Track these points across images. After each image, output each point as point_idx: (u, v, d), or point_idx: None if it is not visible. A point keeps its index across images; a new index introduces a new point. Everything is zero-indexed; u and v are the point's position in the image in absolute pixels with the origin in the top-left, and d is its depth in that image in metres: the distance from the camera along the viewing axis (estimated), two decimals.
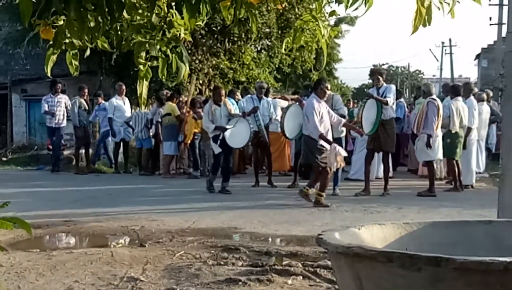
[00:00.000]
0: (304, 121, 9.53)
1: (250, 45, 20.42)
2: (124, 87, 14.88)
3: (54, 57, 3.12)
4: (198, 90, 18.69)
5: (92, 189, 11.65)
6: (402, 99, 11.79)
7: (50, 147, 15.75)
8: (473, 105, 11.49)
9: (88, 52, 3.23)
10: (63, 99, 14.89)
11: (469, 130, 11.26)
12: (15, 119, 21.85)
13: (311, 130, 9.18)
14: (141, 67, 3.14)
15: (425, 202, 9.61)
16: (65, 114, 14.88)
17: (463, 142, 11.13)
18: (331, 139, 9.23)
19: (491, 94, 15.07)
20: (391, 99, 10.33)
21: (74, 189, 11.53)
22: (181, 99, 14.44)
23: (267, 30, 19.82)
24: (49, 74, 3.22)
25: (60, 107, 14.69)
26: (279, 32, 20.47)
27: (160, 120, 14.06)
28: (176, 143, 13.86)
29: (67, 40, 3.04)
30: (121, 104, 14.74)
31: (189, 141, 13.49)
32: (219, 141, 10.53)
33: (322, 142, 9.07)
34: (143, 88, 3.17)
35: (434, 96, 10.75)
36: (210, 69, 19.27)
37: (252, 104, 11.78)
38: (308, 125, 9.31)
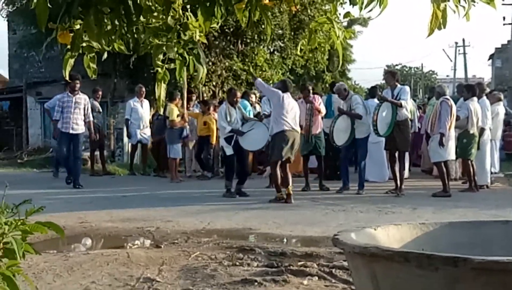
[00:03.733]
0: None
1: (263, 47, 20.44)
2: (144, 89, 14.51)
3: (72, 61, 3.16)
4: (211, 92, 18.73)
5: (107, 191, 11.72)
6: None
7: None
8: (486, 105, 11.45)
9: (105, 55, 3.26)
10: (83, 99, 12.43)
11: (482, 130, 11.20)
12: (30, 121, 22.02)
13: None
14: (159, 69, 3.16)
15: (440, 203, 9.57)
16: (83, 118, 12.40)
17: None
18: None
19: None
20: (405, 101, 10.42)
21: (89, 191, 11.59)
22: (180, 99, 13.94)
23: (280, 31, 19.84)
24: (67, 77, 3.27)
25: (78, 109, 12.22)
26: (292, 33, 20.49)
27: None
28: (178, 146, 13.52)
29: (84, 44, 3.08)
30: (139, 106, 14.42)
31: (215, 141, 13.35)
32: (232, 142, 10.46)
33: None
34: (161, 91, 3.19)
35: (447, 96, 10.73)
36: (223, 71, 19.32)
37: (269, 105, 11.74)
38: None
